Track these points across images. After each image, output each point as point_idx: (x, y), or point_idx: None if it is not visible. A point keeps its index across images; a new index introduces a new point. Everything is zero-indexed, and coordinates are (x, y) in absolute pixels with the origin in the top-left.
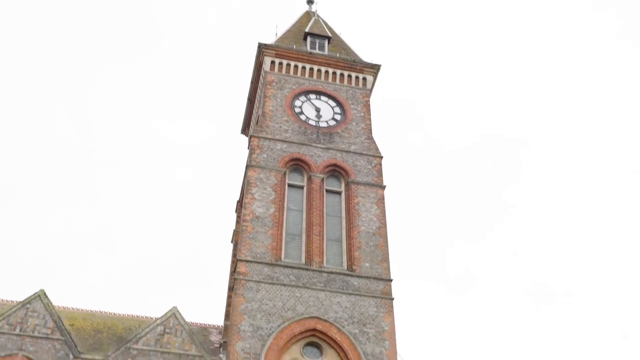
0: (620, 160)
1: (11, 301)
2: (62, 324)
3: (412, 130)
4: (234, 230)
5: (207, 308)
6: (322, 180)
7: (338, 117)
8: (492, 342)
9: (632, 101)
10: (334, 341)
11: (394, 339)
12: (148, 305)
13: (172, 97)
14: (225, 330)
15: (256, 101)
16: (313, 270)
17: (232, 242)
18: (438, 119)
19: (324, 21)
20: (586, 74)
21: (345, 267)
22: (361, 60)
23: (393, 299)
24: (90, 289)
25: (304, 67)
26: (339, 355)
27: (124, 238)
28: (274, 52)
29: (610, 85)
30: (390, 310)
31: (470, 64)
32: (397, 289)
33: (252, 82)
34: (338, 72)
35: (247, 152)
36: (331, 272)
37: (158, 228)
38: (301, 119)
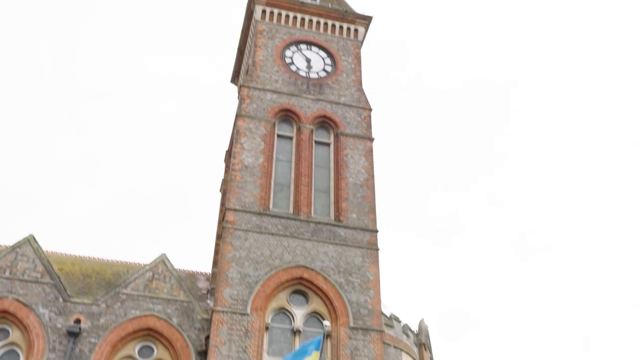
0: (614, 108)
1: (0, 245)
2: (52, 268)
3: (399, 71)
4: (223, 180)
5: (194, 255)
6: (312, 131)
7: (328, 68)
8: (475, 291)
9: (626, 44)
10: (320, 289)
11: (379, 289)
12: (136, 252)
13: (164, 31)
14: (213, 277)
15: (246, 50)
16: (301, 220)
17: (220, 191)
18: (426, 62)
19: None
20: (577, 16)
21: (333, 218)
22: (353, 11)
23: (379, 249)
24: (79, 234)
25: (295, 17)
26: (325, 303)
27: (113, 183)
28: (264, 0)
29: (603, 28)
30: (375, 261)
31: (459, 6)
32: (382, 239)
33: (242, 31)
34: (330, 22)
35: (236, 101)
36: (318, 223)
37: (149, 174)
38: (291, 70)
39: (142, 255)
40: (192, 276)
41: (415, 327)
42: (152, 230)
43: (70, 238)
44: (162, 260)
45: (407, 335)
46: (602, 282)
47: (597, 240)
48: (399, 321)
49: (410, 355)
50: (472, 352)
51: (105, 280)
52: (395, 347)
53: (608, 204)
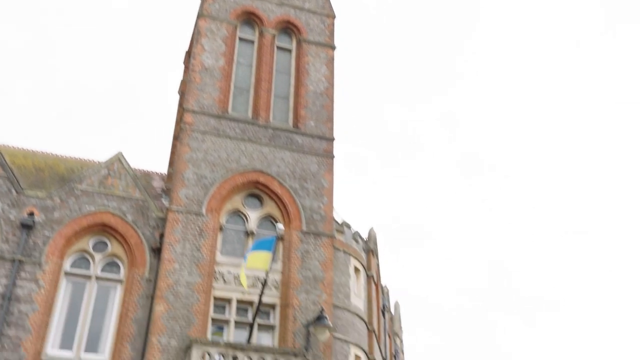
0: (578, 34)
1: None
2: (4, 159)
3: None
4: (182, 81)
5: (149, 155)
6: (274, 36)
7: None
8: (424, 205)
9: None
10: (275, 194)
11: (332, 196)
12: (89, 150)
13: None
14: (169, 177)
15: None
16: (259, 125)
17: (179, 92)
18: None
19: None
20: None
21: (291, 124)
22: None
23: (334, 157)
24: (31, 129)
25: None
26: (279, 207)
27: (68, 80)
28: None
29: None
30: (330, 169)
31: None
32: (338, 149)
33: None
34: None
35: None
36: (277, 128)
37: (107, 73)
38: None
39: (96, 153)
40: (147, 175)
41: (365, 235)
42: (107, 128)
43: (21, 131)
44: (118, 158)
45: (357, 242)
46: (544, 202)
47: (544, 162)
48: (349, 228)
49: (359, 260)
50: (418, 262)
51: (58, 175)
52: (344, 252)
53: (560, 128)
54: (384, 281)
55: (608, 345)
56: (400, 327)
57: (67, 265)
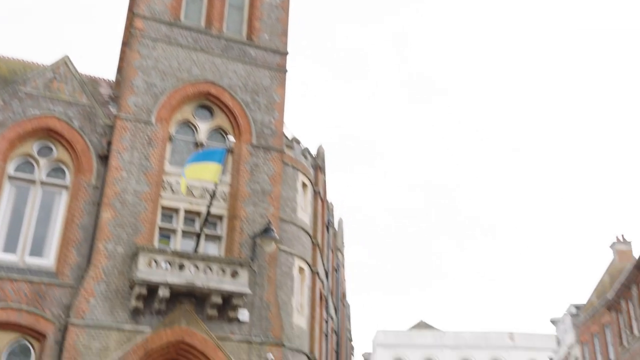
0: None
1: None
2: None
3: None
4: None
5: (96, 61)
6: None
7: None
8: (374, 124)
9: None
10: (226, 106)
11: (283, 111)
12: (34, 53)
13: None
14: (117, 84)
15: None
16: (212, 36)
17: None
18: None
19: None
20: None
21: (245, 36)
22: None
23: (287, 71)
24: None
25: None
26: (229, 119)
27: None
28: None
29: None
30: (282, 83)
31: None
32: (291, 64)
33: None
34: None
35: None
36: (230, 39)
37: None
38: None
39: (41, 56)
40: (95, 81)
41: (314, 151)
42: (52, 31)
43: None
44: (65, 62)
45: (306, 158)
46: (491, 125)
47: (493, 85)
48: (299, 144)
49: (306, 176)
50: (363, 180)
51: (0, 77)
52: (293, 167)
53: (510, 53)
54: (329, 197)
55: (537, 272)
56: (343, 243)
57: (10, 169)
